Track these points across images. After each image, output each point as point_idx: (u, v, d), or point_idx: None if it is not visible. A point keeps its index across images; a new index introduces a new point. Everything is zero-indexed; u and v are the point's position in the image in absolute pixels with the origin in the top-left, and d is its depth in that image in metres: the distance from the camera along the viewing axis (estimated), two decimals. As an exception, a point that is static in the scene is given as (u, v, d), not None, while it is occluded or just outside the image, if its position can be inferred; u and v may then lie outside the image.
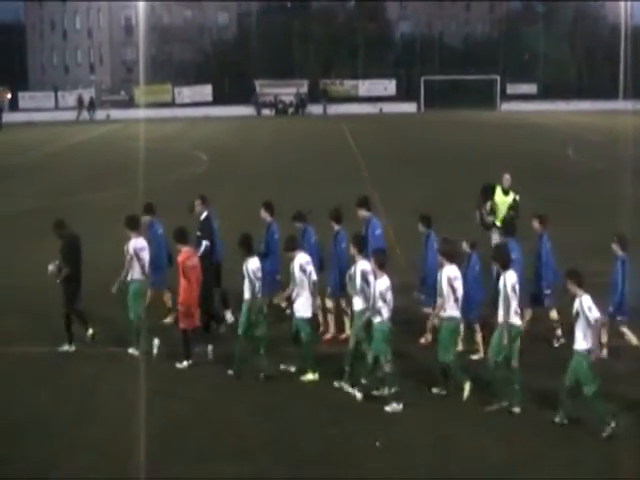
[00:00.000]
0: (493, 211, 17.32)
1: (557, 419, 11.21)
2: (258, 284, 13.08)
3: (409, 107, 78.19)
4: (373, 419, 11.70)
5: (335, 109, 74.93)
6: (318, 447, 10.97)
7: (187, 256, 13.68)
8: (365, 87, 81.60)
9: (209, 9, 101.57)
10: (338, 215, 14.68)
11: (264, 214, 15.66)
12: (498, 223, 16.95)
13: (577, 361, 10.95)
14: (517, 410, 11.58)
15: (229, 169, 38.27)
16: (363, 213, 15.11)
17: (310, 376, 12.99)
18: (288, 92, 77.23)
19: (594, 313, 10.83)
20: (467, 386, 12.04)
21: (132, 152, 46.36)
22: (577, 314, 10.92)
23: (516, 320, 11.80)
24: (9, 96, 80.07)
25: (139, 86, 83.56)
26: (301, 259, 13.00)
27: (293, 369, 13.24)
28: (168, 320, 15.56)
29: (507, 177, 17.70)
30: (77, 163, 42.65)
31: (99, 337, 14.62)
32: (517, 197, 17.52)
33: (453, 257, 12.39)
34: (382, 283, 11.91)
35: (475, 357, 13.55)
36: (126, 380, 13.20)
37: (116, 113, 77.08)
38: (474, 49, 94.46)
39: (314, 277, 13.05)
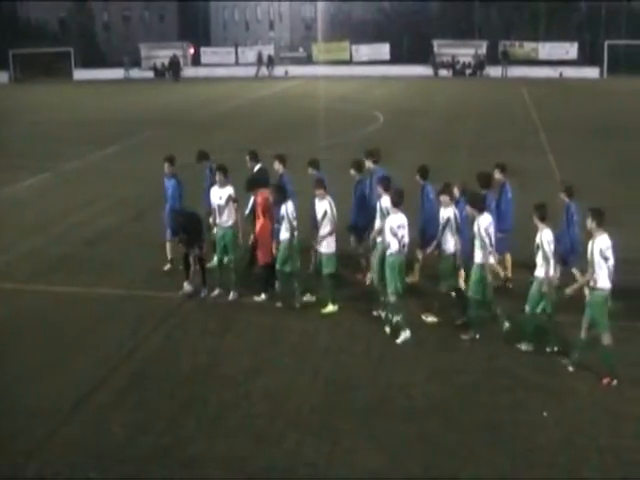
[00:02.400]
0: None
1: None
2: (295, 225, 14.34)
3: (591, 72, 75.22)
4: (545, 390, 11.61)
5: (513, 72, 73.12)
6: (488, 414, 10.96)
7: (265, 196, 15.04)
8: (545, 50, 78.84)
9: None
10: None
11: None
12: None
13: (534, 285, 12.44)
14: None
15: (404, 132, 38.09)
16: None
17: (330, 307, 14.43)
18: (466, 53, 75.89)
19: (552, 247, 12.16)
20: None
21: (309, 110, 47.12)
22: (537, 246, 12.24)
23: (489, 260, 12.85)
24: (192, 51, 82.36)
25: (317, 43, 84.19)
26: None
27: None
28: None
29: None
30: (254, 119, 43.50)
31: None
32: None
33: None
34: (394, 219, 13.06)
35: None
36: (302, 333, 13.66)
37: (294, 70, 78.06)
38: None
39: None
